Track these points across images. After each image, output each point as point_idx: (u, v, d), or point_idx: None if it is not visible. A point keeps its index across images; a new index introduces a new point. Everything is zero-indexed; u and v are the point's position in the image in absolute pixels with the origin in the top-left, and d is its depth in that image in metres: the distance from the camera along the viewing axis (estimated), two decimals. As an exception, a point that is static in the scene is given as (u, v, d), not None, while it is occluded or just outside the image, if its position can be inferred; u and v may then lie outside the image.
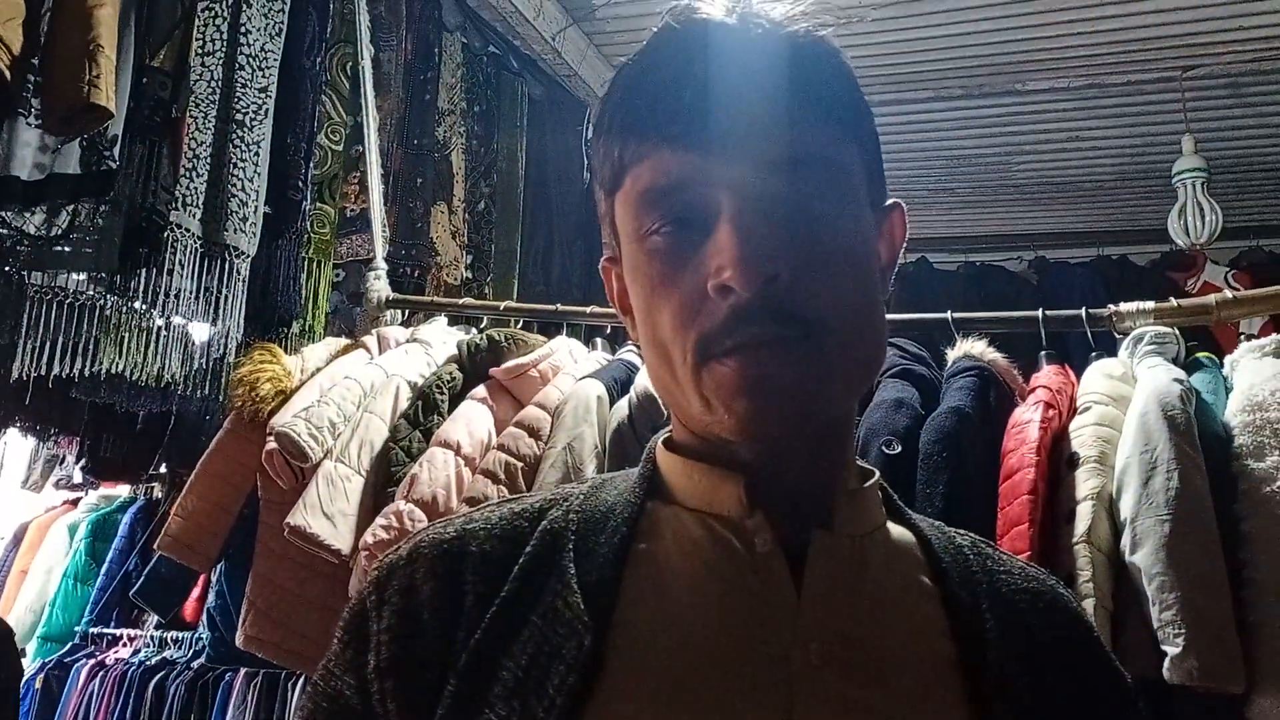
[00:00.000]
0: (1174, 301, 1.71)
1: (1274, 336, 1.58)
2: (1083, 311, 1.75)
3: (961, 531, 0.83)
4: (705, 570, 0.70)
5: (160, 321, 2.26)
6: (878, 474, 0.79)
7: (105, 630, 4.26)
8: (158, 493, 4.68)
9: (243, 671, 3.58)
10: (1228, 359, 1.62)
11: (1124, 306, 1.74)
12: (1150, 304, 1.72)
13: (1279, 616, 1.33)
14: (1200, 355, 1.65)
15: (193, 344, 2.28)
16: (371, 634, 0.70)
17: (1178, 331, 1.70)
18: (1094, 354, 1.72)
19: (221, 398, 2.42)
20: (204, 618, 3.08)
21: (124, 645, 4.19)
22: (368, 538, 1.74)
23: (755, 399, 0.66)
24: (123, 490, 4.84)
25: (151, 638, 4.09)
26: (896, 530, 0.77)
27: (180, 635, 3.98)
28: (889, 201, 0.79)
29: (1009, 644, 0.71)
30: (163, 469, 4.42)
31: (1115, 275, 4.14)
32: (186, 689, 3.79)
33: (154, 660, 4.01)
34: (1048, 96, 3.84)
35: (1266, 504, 1.38)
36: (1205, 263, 3.88)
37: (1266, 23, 3.33)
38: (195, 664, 3.85)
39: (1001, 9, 3.38)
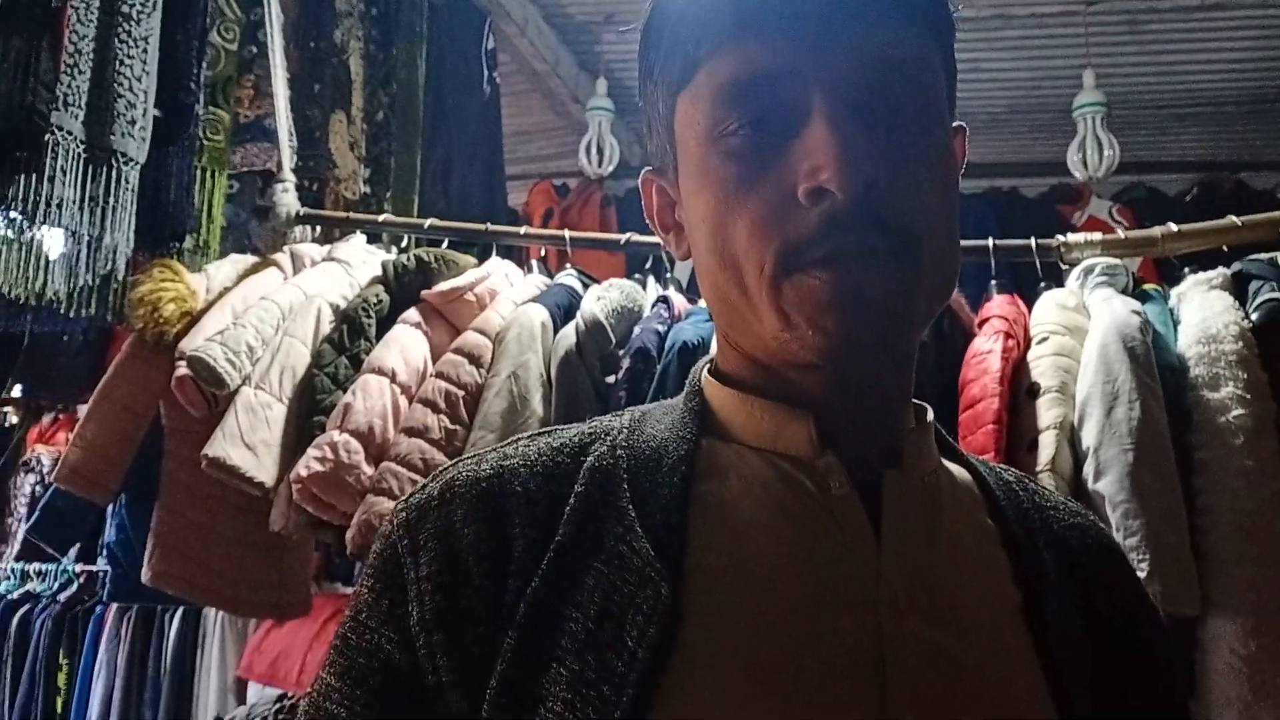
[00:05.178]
0: (1121, 233, 1.74)
1: (1220, 270, 1.61)
2: (1032, 241, 1.76)
3: (1004, 466, 0.82)
4: (778, 514, 0.66)
5: (41, 233, 2.04)
6: (930, 410, 0.75)
7: (-42, 564, 4.00)
8: (11, 418, 4.41)
9: (115, 606, 3.39)
10: (1174, 291, 1.66)
11: (1072, 238, 1.76)
12: (1098, 235, 1.74)
13: (1231, 543, 1.38)
14: (1148, 287, 1.68)
15: (78, 258, 2.06)
16: (409, 582, 0.64)
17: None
18: (1043, 284, 1.73)
19: (111, 317, 2.23)
20: (103, 553, 2.89)
21: (-20, 579, 3.93)
22: (300, 470, 1.64)
23: (847, 313, 0.61)
24: (-30, 415, 4.52)
25: (12, 569, 3.87)
26: (954, 469, 0.75)
27: (44, 568, 3.77)
28: (955, 123, 0.75)
29: (1067, 587, 0.71)
30: (15, 392, 4.12)
31: (1006, 207, 4.25)
32: (54, 623, 3.58)
33: (16, 594, 3.78)
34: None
35: (1221, 434, 1.42)
36: (1091, 196, 4.01)
37: (1164, -41, 3.41)
38: (62, 597, 3.66)
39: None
